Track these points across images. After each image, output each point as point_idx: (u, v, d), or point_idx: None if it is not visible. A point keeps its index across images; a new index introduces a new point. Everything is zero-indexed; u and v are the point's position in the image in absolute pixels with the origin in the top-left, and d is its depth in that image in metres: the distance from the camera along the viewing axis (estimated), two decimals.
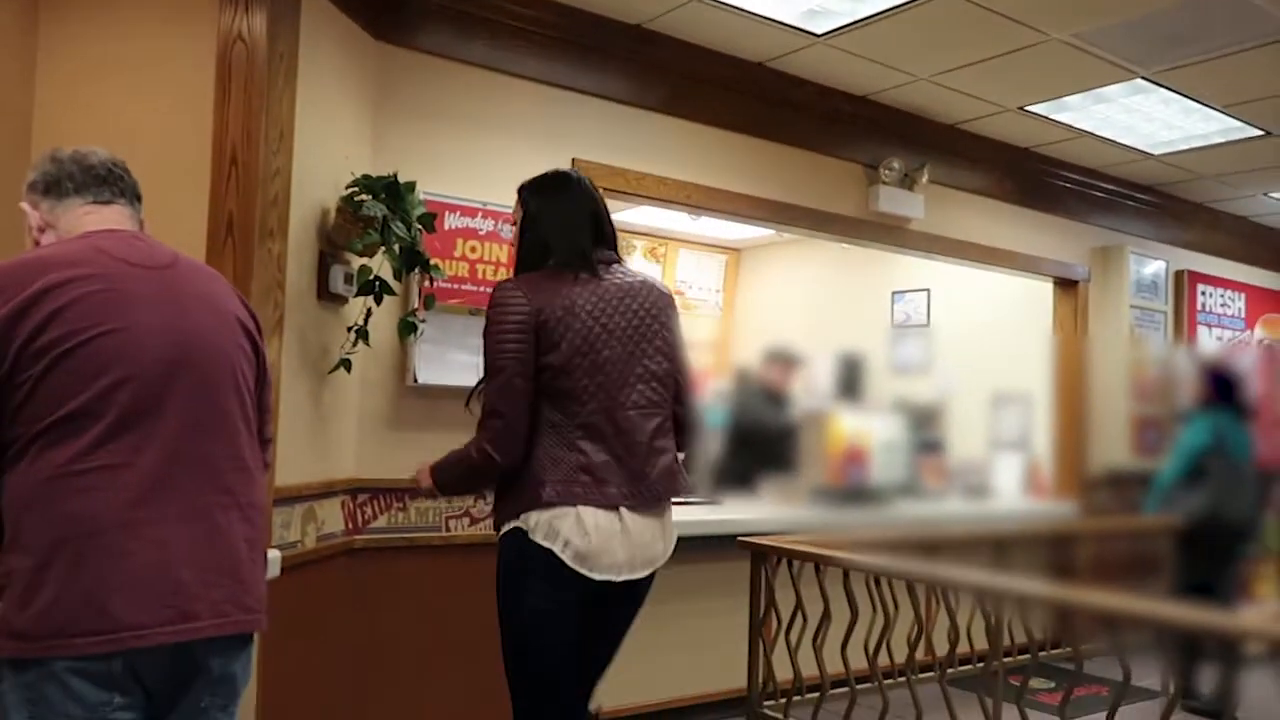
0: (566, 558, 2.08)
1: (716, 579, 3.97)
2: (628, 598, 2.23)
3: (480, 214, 3.44)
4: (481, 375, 2.20)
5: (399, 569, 3.24)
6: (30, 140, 2.75)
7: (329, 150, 3.00)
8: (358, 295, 2.96)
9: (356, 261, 3.04)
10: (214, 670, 1.64)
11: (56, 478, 1.52)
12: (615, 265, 2.28)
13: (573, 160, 3.72)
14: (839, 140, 4.57)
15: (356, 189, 2.91)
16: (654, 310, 2.26)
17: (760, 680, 3.18)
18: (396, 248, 2.89)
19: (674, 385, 2.28)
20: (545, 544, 2.09)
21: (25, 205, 1.80)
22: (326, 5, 2.99)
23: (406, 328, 3.11)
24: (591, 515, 2.09)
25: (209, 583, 1.61)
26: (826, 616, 3.03)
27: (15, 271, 1.59)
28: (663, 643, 3.91)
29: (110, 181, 1.78)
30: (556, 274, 2.18)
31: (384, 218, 2.87)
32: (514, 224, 2.36)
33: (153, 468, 1.57)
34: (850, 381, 5.54)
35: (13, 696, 1.51)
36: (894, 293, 6.47)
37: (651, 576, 2.25)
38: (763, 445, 4.79)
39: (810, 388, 5.29)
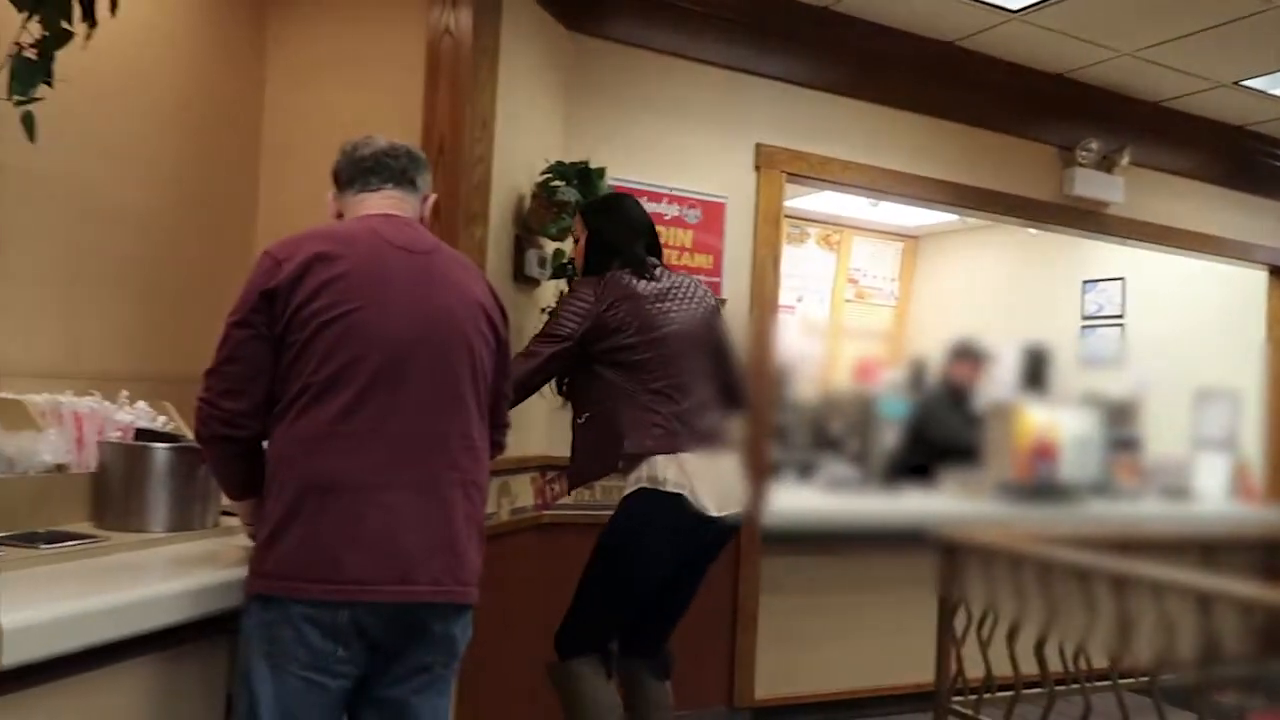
0: (686, 493, 2.44)
1: (901, 571, 3.89)
2: (716, 539, 2.57)
3: (665, 199, 3.48)
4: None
5: (584, 546, 3.32)
6: (260, 132, 2.97)
7: (525, 138, 3.10)
8: (551, 278, 3.06)
9: (549, 245, 3.13)
10: (435, 631, 1.73)
11: (311, 438, 1.66)
12: (662, 269, 2.70)
13: (756, 145, 3.71)
14: (1032, 121, 4.38)
15: (550, 175, 3.00)
16: (702, 298, 2.71)
17: (950, 675, 3.10)
18: None
19: (721, 358, 2.72)
20: (672, 490, 2.44)
21: (328, 195, 1.97)
22: None
23: None
24: (682, 460, 2.47)
25: (429, 552, 1.69)
26: (1021, 613, 2.91)
27: (289, 244, 1.76)
28: (848, 632, 3.87)
29: (377, 170, 1.87)
30: (620, 274, 2.57)
31: (576, 203, 2.95)
32: (576, 239, 2.76)
33: (394, 438, 1.68)
34: (1036, 374, 5.30)
35: (255, 633, 1.68)
36: (1085, 281, 6.14)
37: (739, 522, 2.62)
38: (946, 443, 4.65)
39: (993, 380, 5.10)
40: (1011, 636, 2.93)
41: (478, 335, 1.82)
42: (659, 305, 2.56)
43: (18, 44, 1.39)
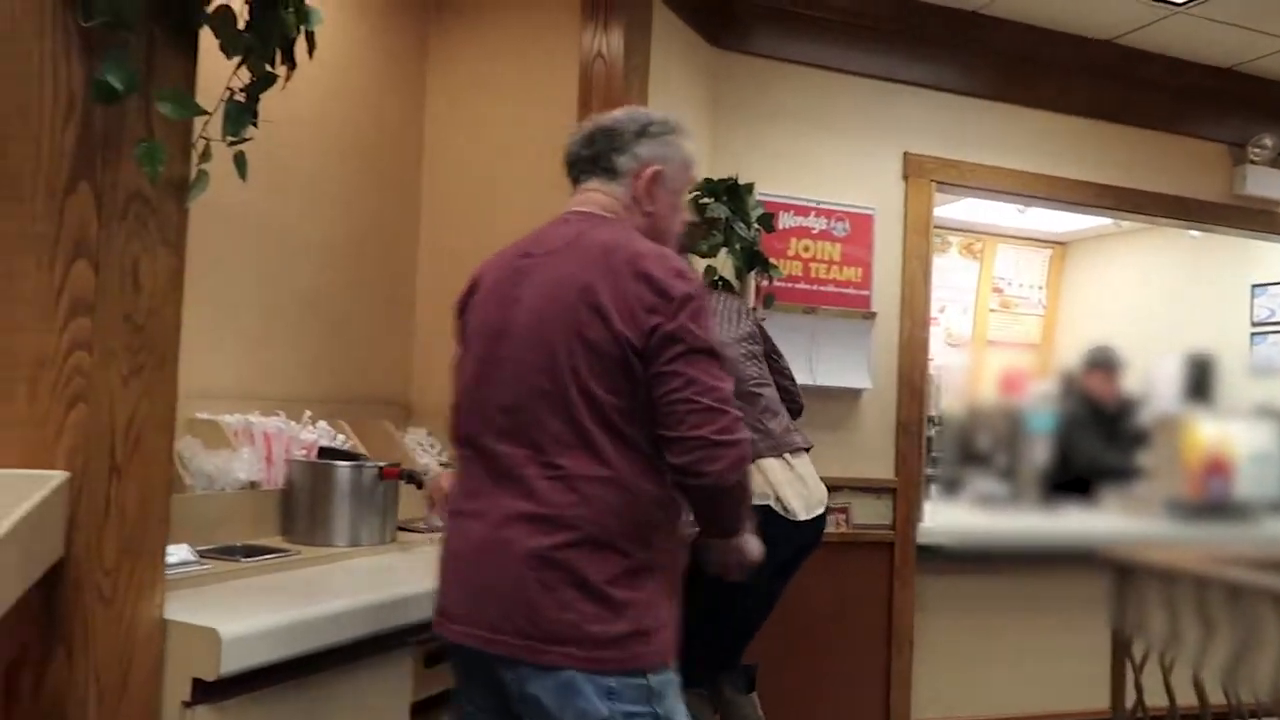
0: (772, 502, 2.45)
1: (1063, 591, 3.76)
2: (806, 543, 2.57)
3: (813, 213, 3.45)
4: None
5: None
6: (422, 159, 3.09)
7: None
8: None
9: (699, 262, 3.15)
10: (509, 685, 1.49)
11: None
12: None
13: (904, 154, 3.65)
14: (1195, 118, 4.16)
15: (699, 192, 3.01)
16: (739, 309, 2.74)
17: (1128, 704, 2.94)
18: (738, 248, 2.97)
19: (772, 363, 2.75)
20: (759, 501, 2.35)
21: None
22: (672, 18, 3.12)
23: None
24: (764, 467, 2.45)
25: (485, 592, 1.49)
26: (1208, 640, 2.74)
27: (485, 261, 1.79)
28: (1010, 654, 3.74)
29: (575, 164, 1.72)
30: None
31: (726, 219, 2.95)
32: None
33: (478, 465, 1.56)
34: (1200, 384, 5.02)
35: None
36: (1254, 286, 5.77)
37: (823, 524, 2.61)
38: (1094, 457, 4.45)
39: (1153, 392, 4.87)
40: (1197, 665, 2.77)
41: (572, 338, 1.49)
42: (719, 314, 2.58)
43: (229, 89, 1.48)
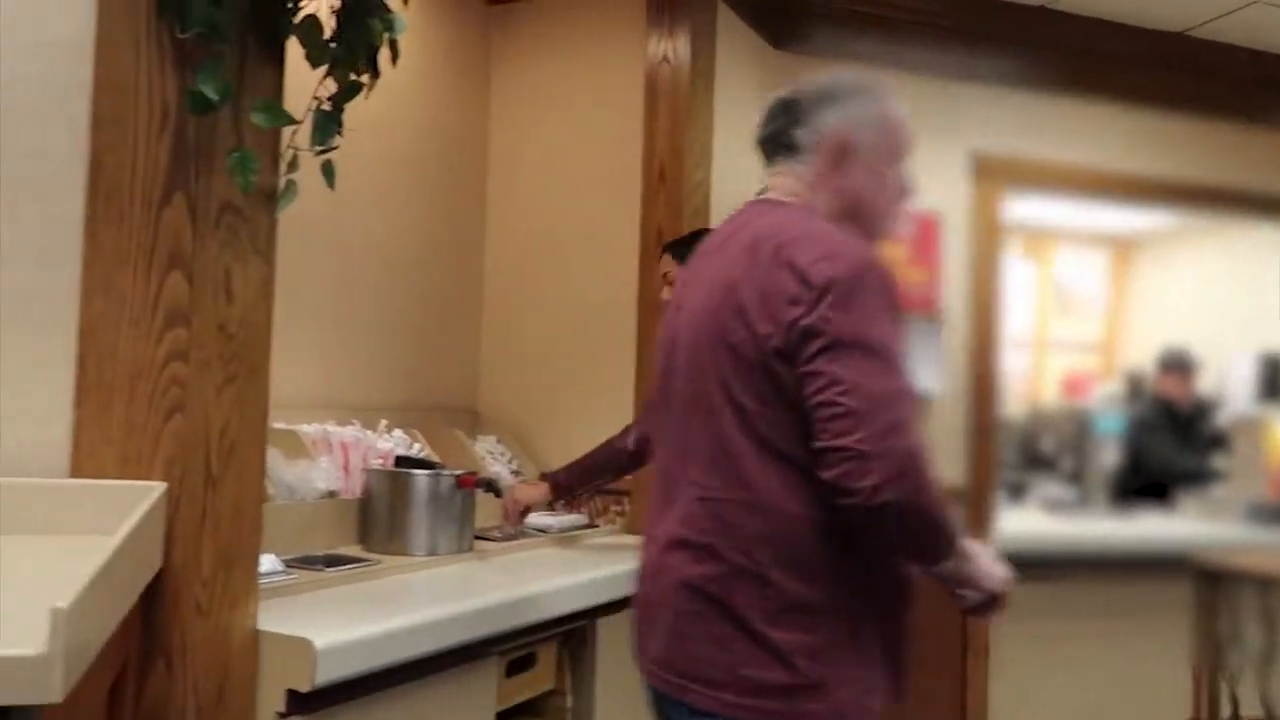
0: None
1: (1142, 597, 3.67)
2: None
3: None
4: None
5: None
6: (487, 168, 3.10)
7: (740, 161, 3.09)
8: None
9: None
10: None
11: None
12: None
13: (971, 153, 3.58)
14: (1277, 110, 4.03)
15: None
16: None
17: (1221, 714, 2.85)
18: None
19: None
20: None
21: None
22: (736, 21, 3.09)
23: None
24: None
25: (644, 621, 1.42)
26: None
27: None
28: (1089, 662, 3.64)
29: (761, 146, 1.55)
30: None
31: None
32: (670, 282, 2.42)
33: (657, 485, 1.47)
34: (1277, 384, 4.88)
35: None
36: None
37: None
38: (1170, 461, 4.34)
39: (1228, 393, 4.74)
40: None
41: (718, 345, 1.34)
42: None
43: (316, 98, 1.48)
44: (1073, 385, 5.83)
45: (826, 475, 1.21)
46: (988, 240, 3.54)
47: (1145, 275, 6.83)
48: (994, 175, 3.56)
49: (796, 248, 1.30)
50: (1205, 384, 4.62)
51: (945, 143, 3.55)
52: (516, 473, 2.82)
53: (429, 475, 2.15)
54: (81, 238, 1.36)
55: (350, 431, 2.30)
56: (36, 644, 0.70)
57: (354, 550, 2.12)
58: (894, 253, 3.40)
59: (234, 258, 1.43)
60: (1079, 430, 5.17)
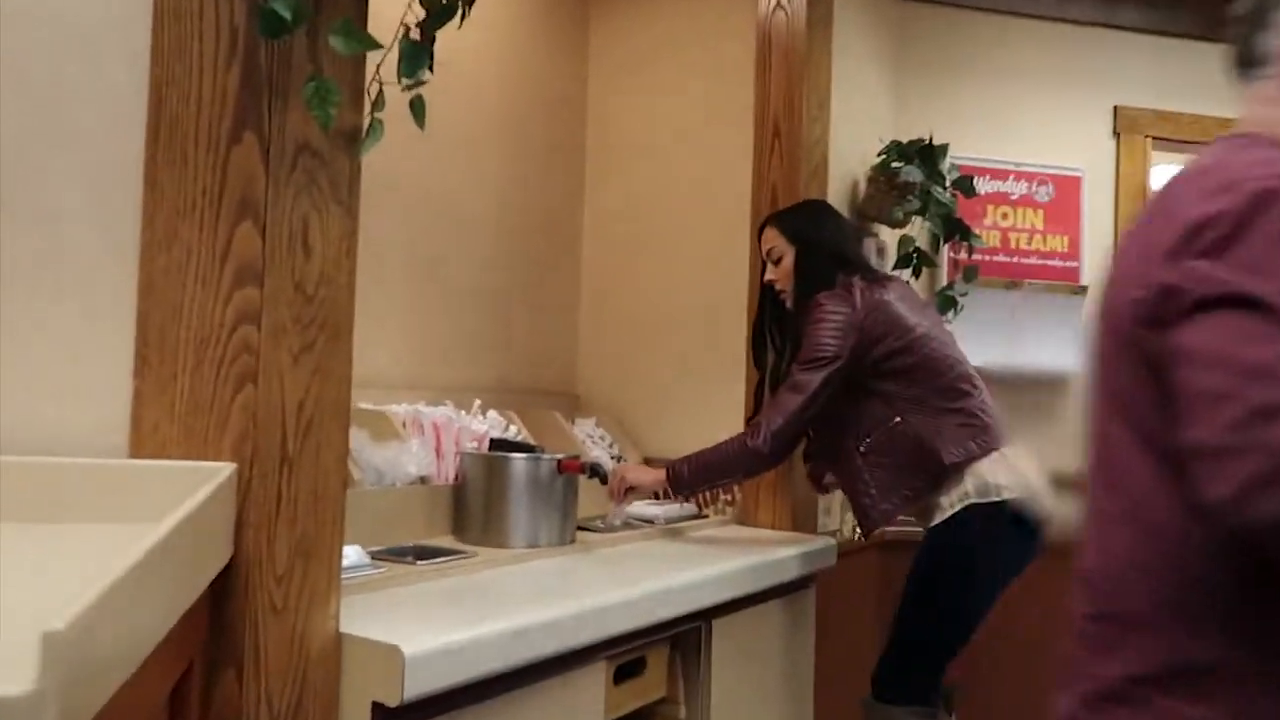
0: (1023, 494, 2.09)
1: None
2: (1037, 540, 2.16)
3: (1012, 176, 3.09)
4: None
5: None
6: (585, 124, 2.89)
7: (858, 117, 2.83)
8: (894, 269, 2.76)
9: (883, 233, 2.84)
10: None
11: None
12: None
13: (1114, 109, 3.24)
14: None
15: (888, 155, 2.71)
16: (913, 292, 2.37)
17: None
18: (937, 215, 2.65)
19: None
20: (1009, 496, 2.07)
21: None
22: None
23: (946, 302, 2.86)
24: (1008, 457, 2.11)
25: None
26: None
27: None
28: None
29: (1231, 69, 1.16)
30: (857, 281, 2.18)
31: (921, 184, 2.64)
32: (777, 260, 2.27)
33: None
34: None
35: None
36: None
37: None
38: None
39: None
40: None
41: (1101, 323, 1.09)
42: (900, 306, 2.16)
43: (404, 24, 1.28)
44: None
45: (1187, 484, 0.89)
46: (1133, 204, 3.19)
47: None
48: (1139, 131, 3.22)
49: (1185, 185, 0.99)
50: None
51: (1085, 97, 3.22)
52: (618, 458, 2.62)
53: (528, 459, 1.95)
54: (141, 184, 1.19)
55: (443, 411, 2.12)
56: (22, 680, 0.51)
57: (447, 541, 1.95)
58: (1029, 219, 3.09)
59: (312, 206, 1.24)
60: None
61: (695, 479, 2.11)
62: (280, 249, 1.21)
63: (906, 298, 2.23)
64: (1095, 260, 3.17)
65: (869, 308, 2.12)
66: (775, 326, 2.33)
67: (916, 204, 2.62)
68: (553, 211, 2.80)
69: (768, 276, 2.30)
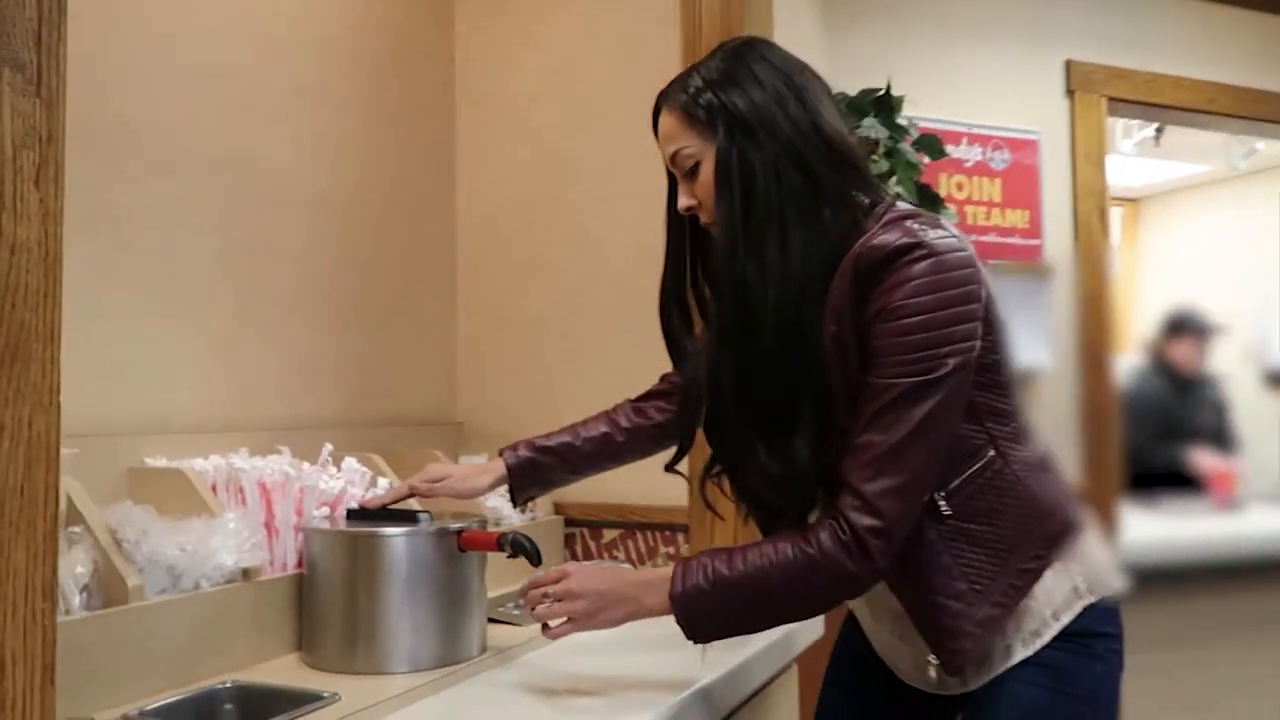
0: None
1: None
2: None
3: (965, 139, 2.63)
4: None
5: None
6: (453, 79, 2.24)
7: (813, 45, 2.30)
8: None
9: None
10: None
11: None
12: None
13: (1066, 63, 2.83)
14: None
15: (843, 109, 2.18)
16: None
17: None
18: (908, 179, 2.14)
19: None
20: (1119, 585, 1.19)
21: None
22: None
23: None
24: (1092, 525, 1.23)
25: None
26: None
27: None
28: (1242, 686, 2.98)
29: None
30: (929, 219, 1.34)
31: (885, 141, 2.13)
32: (674, 166, 1.46)
33: None
34: None
35: None
36: None
37: None
38: (1180, 439, 3.63)
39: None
40: None
41: None
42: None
43: None
44: None
45: None
46: (1091, 171, 2.79)
47: (1160, 232, 6.24)
48: (1094, 90, 2.82)
49: None
50: None
51: (1035, 52, 2.80)
52: (534, 517, 1.97)
53: (409, 533, 1.29)
54: None
55: (275, 465, 1.43)
56: None
57: (287, 669, 1.27)
58: (986, 190, 2.64)
59: None
60: None
61: (725, 617, 1.13)
62: None
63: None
64: (1057, 239, 2.75)
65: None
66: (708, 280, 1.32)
67: (885, 165, 2.10)
68: (417, 187, 2.13)
69: (682, 202, 1.27)
